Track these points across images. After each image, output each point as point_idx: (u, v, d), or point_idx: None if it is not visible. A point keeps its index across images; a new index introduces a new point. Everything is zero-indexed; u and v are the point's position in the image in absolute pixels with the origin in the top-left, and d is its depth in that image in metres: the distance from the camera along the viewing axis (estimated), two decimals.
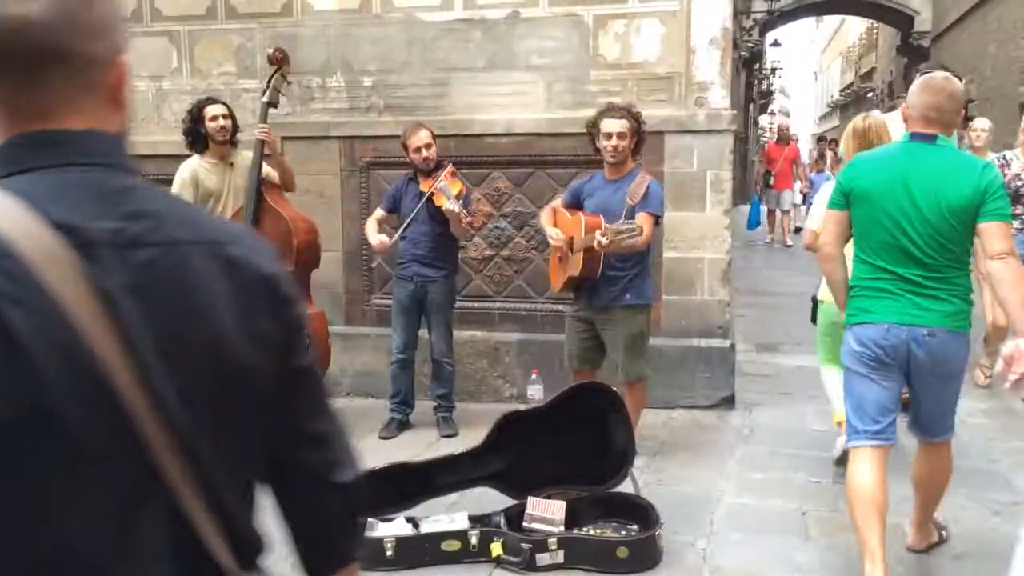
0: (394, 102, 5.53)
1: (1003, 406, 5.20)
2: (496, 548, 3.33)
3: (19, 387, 0.84)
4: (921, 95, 2.97)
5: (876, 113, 4.75)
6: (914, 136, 2.98)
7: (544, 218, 4.50)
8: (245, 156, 4.80)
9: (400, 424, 4.98)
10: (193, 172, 4.79)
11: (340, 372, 5.62)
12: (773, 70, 31.39)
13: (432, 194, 4.70)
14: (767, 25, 20.01)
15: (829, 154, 14.19)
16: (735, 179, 6.12)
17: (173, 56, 5.82)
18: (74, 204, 0.90)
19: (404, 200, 4.85)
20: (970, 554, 3.39)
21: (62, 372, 0.85)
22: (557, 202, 4.56)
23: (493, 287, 5.60)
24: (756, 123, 29.76)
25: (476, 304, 5.56)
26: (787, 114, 43.56)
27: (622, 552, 3.26)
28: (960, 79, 3.32)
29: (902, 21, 19.12)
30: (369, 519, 3.42)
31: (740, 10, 14.95)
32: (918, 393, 3.08)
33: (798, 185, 13.93)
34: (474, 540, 3.35)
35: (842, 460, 3.94)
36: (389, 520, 3.46)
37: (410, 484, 3.54)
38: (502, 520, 3.45)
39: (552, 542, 3.29)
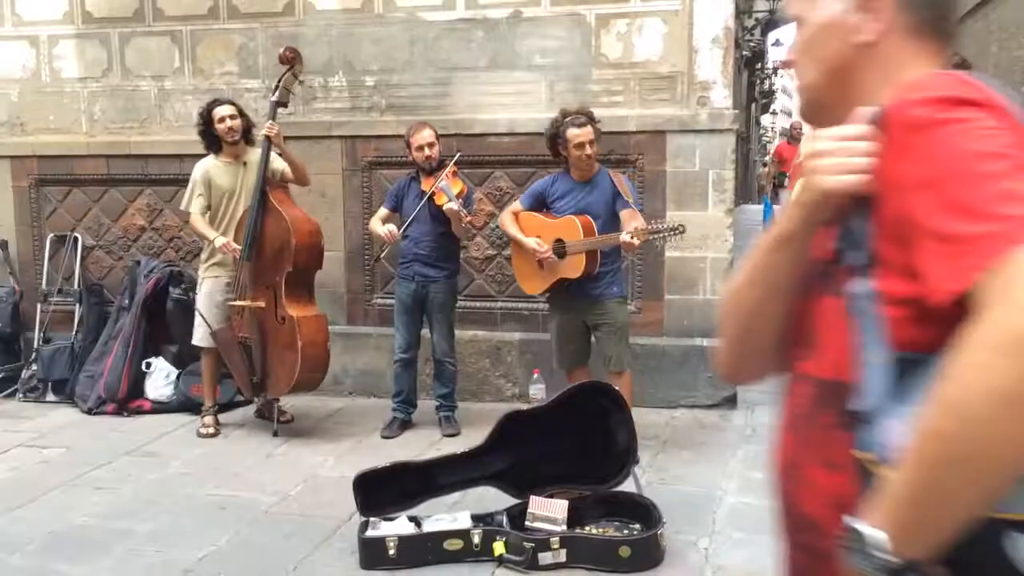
0: (396, 102, 5.54)
1: None
2: (499, 547, 3.33)
3: None
4: None
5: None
6: None
7: (510, 225, 4.47)
8: (259, 154, 4.81)
9: (402, 423, 4.98)
10: (205, 172, 4.81)
11: (342, 372, 5.63)
12: (775, 69, 31.33)
13: (433, 193, 4.70)
14: (769, 24, 19.96)
15: None
16: (737, 179, 6.12)
17: (175, 56, 5.83)
18: None
19: (406, 199, 4.86)
20: None
21: None
22: (515, 206, 4.56)
23: (495, 287, 5.60)
24: (758, 123, 29.73)
25: (478, 303, 5.57)
26: (789, 114, 43.49)
27: (624, 551, 3.26)
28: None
29: None
30: (372, 518, 3.42)
31: (742, 9, 14.93)
32: None
33: None
34: (476, 539, 3.35)
35: None
36: (391, 519, 3.46)
37: (412, 483, 3.55)
38: (504, 519, 3.44)
39: (554, 541, 3.29)
